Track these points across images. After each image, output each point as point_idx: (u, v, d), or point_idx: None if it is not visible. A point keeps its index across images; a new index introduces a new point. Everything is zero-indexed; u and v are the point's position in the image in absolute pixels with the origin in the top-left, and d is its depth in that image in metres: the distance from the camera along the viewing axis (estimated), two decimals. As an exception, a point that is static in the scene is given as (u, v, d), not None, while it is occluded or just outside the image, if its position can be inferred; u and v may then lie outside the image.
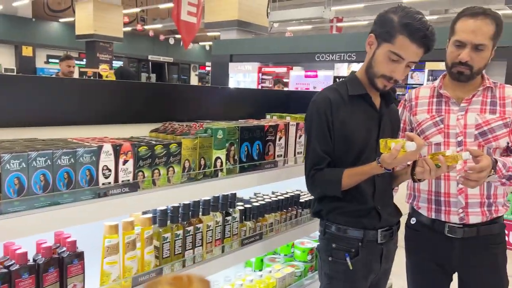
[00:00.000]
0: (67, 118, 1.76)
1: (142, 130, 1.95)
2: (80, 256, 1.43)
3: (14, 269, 1.27)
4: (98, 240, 1.56)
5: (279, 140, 2.25)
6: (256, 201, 2.31)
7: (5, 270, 1.26)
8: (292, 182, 2.53)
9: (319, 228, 1.98)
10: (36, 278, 1.32)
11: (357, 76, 1.86)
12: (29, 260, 1.33)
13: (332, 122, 1.77)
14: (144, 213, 1.75)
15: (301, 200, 2.57)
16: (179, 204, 1.81)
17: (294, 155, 2.38)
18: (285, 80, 10.36)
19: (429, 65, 8.85)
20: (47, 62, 19.85)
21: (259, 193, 2.51)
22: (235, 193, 2.09)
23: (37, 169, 1.26)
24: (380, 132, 1.86)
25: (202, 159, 1.83)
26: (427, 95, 2.03)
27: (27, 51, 18.70)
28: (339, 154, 1.81)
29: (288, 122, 2.32)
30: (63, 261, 1.38)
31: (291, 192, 2.58)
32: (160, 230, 1.72)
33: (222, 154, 1.91)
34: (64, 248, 1.42)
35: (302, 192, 2.69)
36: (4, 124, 1.54)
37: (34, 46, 18.82)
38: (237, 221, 2.08)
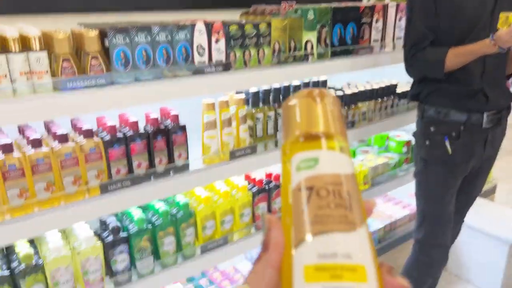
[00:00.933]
0: (161, 3, 1.83)
1: (233, 15, 1.96)
2: (183, 128, 1.58)
3: (129, 135, 1.46)
4: (196, 119, 1.70)
5: (376, 23, 2.10)
6: (349, 89, 2.26)
7: (122, 135, 1.46)
8: (389, 71, 2.41)
9: (416, 113, 1.90)
10: (147, 143, 1.50)
11: None
12: (140, 129, 1.51)
13: None
14: (237, 93, 1.84)
15: (398, 91, 2.46)
16: (270, 87, 1.85)
17: (393, 40, 2.23)
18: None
19: None
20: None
21: (353, 83, 2.44)
22: (326, 80, 2.07)
23: (139, 44, 1.37)
24: (497, 3, 1.63)
25: (292, 41, 1.81)
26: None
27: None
28: (444, 30, 1.65)
29: (387, 4, 2.14)
30: (169, 131, 1.55)
31: (387, 81, 2.46)
32: (253, 110, 1.80)
33: (313, 36, 1.86)
34: (169, 121, 1.58)
35: (399, 82, 2.55)
36: (106, 9, 1.67)
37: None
38: (329, 107, 2.07)
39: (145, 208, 1.72)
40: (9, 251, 1.42)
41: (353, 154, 2.71)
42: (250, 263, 2.09)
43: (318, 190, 0.35)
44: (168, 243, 1.64)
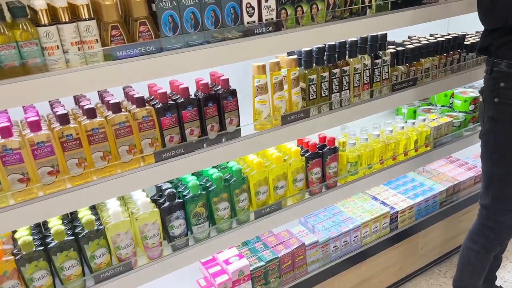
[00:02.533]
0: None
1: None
2: (233, 93, 1.54)
3: (180, 101, 1.44)
4: (247, 83, 1.64)
5: (442, -32, 1.88)
6: (411, 44, 2.08)
7: (173, 103, 1.44)
8: (454, 22, 2.19)
9: (485, 68, 1.72)
10: (198, 110, 1.48)
11: None
12: (191, 95, 1.48)
13: None
14: (289, 54, 1.75)
15: (466, 42, 2.23)
16: (324, 45, 1.74)
17: (461, -14, 1.99)
18: None
19: None
20: None
21: (414, 36, 2.25)
22: (385, 34, 1.91)
23: (187, 7, 1.31)
24: None
25: (348, -6, 1.66)
26: None
27: None
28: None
29: None
30: (220, 97, 1.51)
31: (453, 34, 2.24)
32: (306, 72, 1.71)
33: (371, -13, 1.70)
34: (219, 86, 1.53)
35: (468, 34, 2.32)
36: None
37: None
38: (388, 64, 1.93)
39: (199, 175, 1.72)
40: (72, 218, 1.48)
41: (413, 115, 2.55)
42: (304, 228, 2.07)
43: None
44: (222, 209, 1.64)
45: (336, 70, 1.76)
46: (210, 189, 1.61)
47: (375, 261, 2.23)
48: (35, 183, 1.25)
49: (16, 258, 1.28)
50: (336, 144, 1.91)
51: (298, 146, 1.85)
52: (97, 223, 1.41)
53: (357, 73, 1.84)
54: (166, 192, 1.53)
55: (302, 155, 1.83)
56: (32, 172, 1.23)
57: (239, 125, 1.59)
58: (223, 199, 1.64)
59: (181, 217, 1.56)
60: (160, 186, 1.62)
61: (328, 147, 1.89)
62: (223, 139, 1.56)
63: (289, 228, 2.07)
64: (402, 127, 2.18)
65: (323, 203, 1.93)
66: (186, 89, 1.45)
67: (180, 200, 1.55)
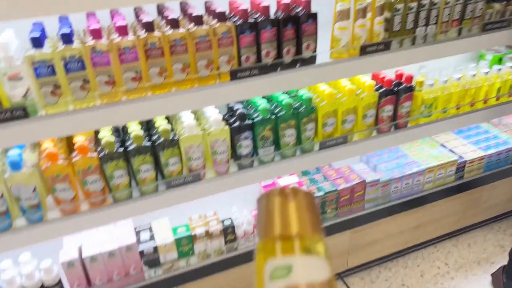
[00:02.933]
0: None
1: None
2: (314, 16, 1.48)
3: (260, 20, 1.41)
4: (328, 7, 1.57)
5: None
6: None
7: (253, 21, 1.41)
8: None
9: None
10: (277, 31, 1.45)
11: None
12: (270, 15, 1.44)
13: None
14: (377, -20, 1.63)
15: None
16: (417, -28, 1.60)
17: None
18: None
19: None
20: None
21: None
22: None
23: None
24: None
25: None
26: None
27: None
28: None
29: None
30: (299, 19, 1.46)
31: None
32: (392, 0, 1.60)
33: None
34: (300, 8, 1.48)
35: None
36: None
37: None
38: (483, 0, 1.76)
39: (269, 99, 1.73)
40: (149, 126, 1.56)
41: (499, 62, 2.35)
42: (365, 166, 2.05)
43: None
44: (288, 135, 1.66)
45: (426, 1, 1.63)
46: (279, 114, 1.62)
47: (433, 208, 2.19)
48: (119, 87, 1.31)
49: (100, 155, 1.39)
50: (413, 83, 1.82)
51: (372, 80, 1.78)
52: (172, 133, 1.47)
53: (447, 7, 1.69)
54: (237, 112, 1.55)
55: (375, 90, 1.77)
56: (117, 76, 1.29)
57: (315, 51, 1.55)
58: (290, 126, 1.64)
59: (249, 138, 1.59)
60: (232, 106, 1.65)
61: (404, 85, 1.81)
62: (298, 65, 1.54)
63: (351, 164, 2.06)
64: (486, 73, 2.02)
65: (390, 143, 1.88)
66: (267, 8, 1.42)
67: (249, 122, 1.58)
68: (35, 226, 1.38)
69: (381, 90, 1.78)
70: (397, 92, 1.80)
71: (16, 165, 1.28)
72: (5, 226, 1.35)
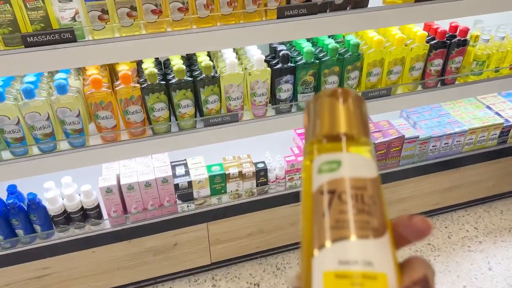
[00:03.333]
0: None
1: None
2: (371, -45, 1.38)
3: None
4: None
5: None
6: None
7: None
8: None
9: None
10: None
11: None
12: (326, -49, 1.36)
13: None
14: None
15: None
16: None
17: None
18: None
19: None
20: None
21: None
22: None
23: None
24: None
25: None
26: None
27: None
28: None
29: None
30: (356, -43, 1.37)
31: None
32: None
33: None
34: None
35: None
36: None
37: None
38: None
39: (314, 42, 1.67)
40: (191, 61, 1.54)
41: None
42: (406, 122, 1.99)
43: (340, 194, 0.33)
44: (331, 82, 1.61)
45: None
46: (323, 59, 1.57)
47: (470, 171, 2.14)
48: (165, 17, 1.29)
49: (142, 86, 1.39)
50: (468, 37, 1.72)
51: (424, 31, 1.69)
52: (213, 70, 1.46)
53: (519, -46, 1.55)
54: (280, 53, 1.51)
55: (426, 42, 1.67)
56: (164, 5, 1.27)
57: (369, -7, 1.47)
58: (333, 72, 1.60)
59: (289, 82, 1.56)
60: (275, 47, 1.60)
61: (457, 38, 1.70)
62: (349, 7, 1.46)
63: (389, 119, 2.01)
64: (550, 32, 1.88)
65: (435, 99, 1.81)
66: None
67: (292, 65, 1.54)
68: (77, 150, 1.43)
69: (432, 42, 1.68)
70: (449, 45, 1.70)
71: (62, 89, 1.30)
72: (50, 148, 1.40)
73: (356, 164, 0.35)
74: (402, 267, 0.33)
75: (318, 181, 0.35)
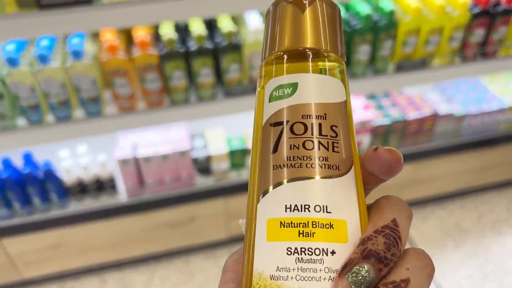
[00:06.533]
0: None
1: None
2: None
3: None
4: None
5: None
6: None
7: None
8: None
9: None
10: None
11: None
12: None
13: None
14: None
15: None
16: None
17: None
18: None
19: None
20: None
21: None
22: None
23: None
24: None
25: None
26: None
27: None
28: None
29: None
30: None
31: None
32: None
33: None
34: None
35: None
36: None
37: None
38: None
39: (346, 8, 1.55)
40: (212, 26, 1.45)
41: None
42: (439, 96, 1.86)
43: (293, 125, 0.27)
44: (362, 52, 1.49)
45: None
46: (355, 26, 1.44)
47: (505, 150, 2.01)
48: (185, -23, 1.18)
49: (160, 53, 1.31)
50: (515, 4, 1.56)
51: (467, -3, 1.54)
52: (236, 37, 1.36)
53: None
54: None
55: (469, 10, 1.53)
56: (184, -37, 1.16)
57: (409, -47, 1.32)
58: (365, 41, 1.47)
59: (317, 51, 1.45)
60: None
61: (503, 6, 1.55)
62: (386, -31, 1.33)
63: (423, 93, 1.88)
64: None
65: (474, 72, 1.67)
66: None
67: (320, 32, 1.42)
68: (93, 118, 1.37)
69: (475, 10, 1.53)
70: (493, 14, 1.55)
71: (78, 54, 1.23)
72: (65, 115, 1.35)
73: (317, 86, 0.28)
74: (370, 210, 0.27)
75: (269, 110, 0.28)
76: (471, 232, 2.03)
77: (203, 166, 1.64)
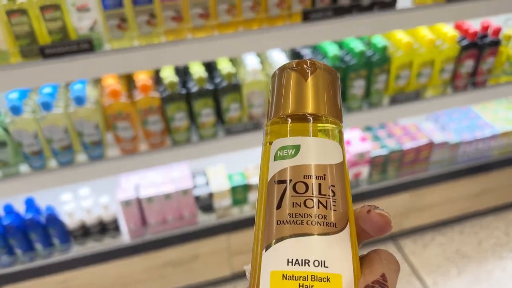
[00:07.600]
0: None
1: None
2: (401, -47, 1.30)
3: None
4: None
5: None
6: None
7: (333, -45, 1.26)
8: None
9: None
10: (359, -32, 1.29)
11: None
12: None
13: None
14: None
15: None
16: None
17: None
18: None
19: None
20: None
21: None
22: None
23: None
24: None
25: None
26: None
27: None
28: None
29: None
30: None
31: None
32: None
33: None
34: None
35: None
36: None
37: None
38: None
39: (340, 45, 1.60)
40: (212, 68, 1.48)
41: None
42: (433, 125, 1.91)
43: (295, 184, 0.30)
44: (357, 87, 1.54)
45: None
46: (349, 63, 1.49)
47: (499, 175, 2.04)
48: (186, 24, 1.23)
49: (162, 96, 1.34)
50: (500, 36, 1.62)
51: (455, 31, 1.60)
52: (235, 78, 1.39)
53: None
54: (303, 58, 1.44)
55: (457, 42, 1.59)
56: (185, 12, 1.21)
57: (398, -6, 1.39)
58: (360, 76, 1.52)
59: (314, 87, 1.49)
60: (298, 51, 1.53)
61: (489, 38, 1.62)
62: (375, 8, 1.39)
63: (417, 122, 1.92)
64: None
65: (466, 101, 1.72)
66: None
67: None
68: (95, 162, 1.38)
69: (463, 43, 1.60)
70: (481, 46, 1.61)
71: (80, 100, 1.25)
72: (68, 160, 1.36)
73: (317, 149, 0.31)
74: (362, 263, 0.29)
75: (273, 168, 0.31)
76: (472, 258, 2.03)
77: (205, 204, 1.64)
